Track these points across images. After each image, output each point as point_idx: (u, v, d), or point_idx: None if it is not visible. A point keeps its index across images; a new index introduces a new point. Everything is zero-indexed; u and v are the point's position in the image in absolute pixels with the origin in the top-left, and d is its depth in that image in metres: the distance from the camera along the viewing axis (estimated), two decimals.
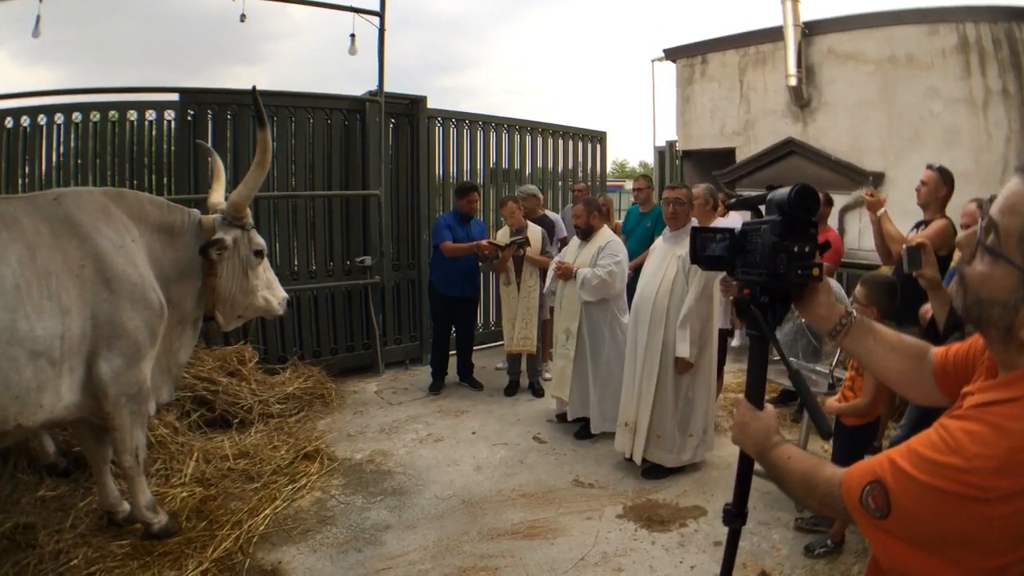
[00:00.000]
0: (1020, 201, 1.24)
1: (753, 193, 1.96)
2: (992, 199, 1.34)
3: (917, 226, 5.31)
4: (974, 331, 2.77)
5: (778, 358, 2.56)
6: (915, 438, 1.30)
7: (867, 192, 5.20)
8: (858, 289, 4.39)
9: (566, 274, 6.40)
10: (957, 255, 5.46)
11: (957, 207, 5.65)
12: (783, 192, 1.71)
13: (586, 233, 6.53)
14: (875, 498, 1.28)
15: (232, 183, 6.00)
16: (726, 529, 1.96)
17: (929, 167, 5.31)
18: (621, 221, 9.07)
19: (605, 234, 6.53)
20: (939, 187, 5.18)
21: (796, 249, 1.70)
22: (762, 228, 1.76)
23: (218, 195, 4.70)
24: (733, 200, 2.10)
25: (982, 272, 1.31)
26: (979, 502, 1.15)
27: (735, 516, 1.92)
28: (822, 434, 1.68)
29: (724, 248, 1.88)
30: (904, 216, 5.56)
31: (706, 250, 1.92)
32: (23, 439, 4.56)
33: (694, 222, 5.71)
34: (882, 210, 5.14)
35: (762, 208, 1.86)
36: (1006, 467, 1.15)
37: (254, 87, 4.58)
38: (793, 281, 1.73)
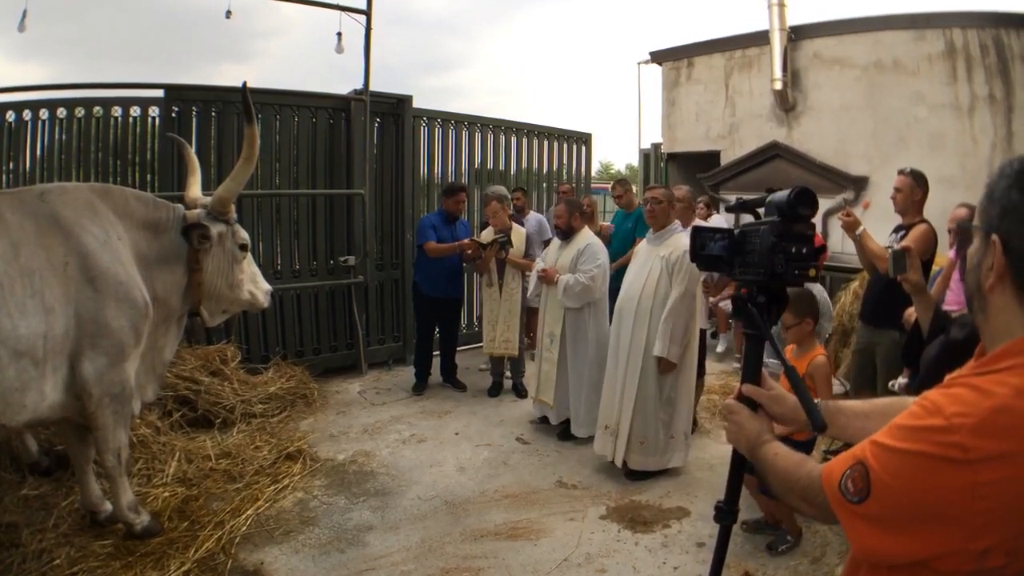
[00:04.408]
0: (992, 183, 1.33)
1: (751, 196, 1.98)
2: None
3: (897, 231, 5.32)
4: (959, 333, 2.77)
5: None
6: (898, 416, 1.30)
7: (843, 213, 5.18)
8: (785, 316, 4.35)
9: (549, 280, 6.40)
10: (939, 260, 5.49)
11: (944, 211, 5.67)
12: (782, 194, 1.74)
13: (566, 234, 6.54)
14: (855, 480, 1.27)
15: (216, 180, 5.98)
16: (709, 530, 1.98)
17: (901, 172, 5.31)
18: (608, 223, 9.09)
19: (586, 236, 6.55)
20: (914, 191, 5.18)
21: (793, 250, 1.74)
22: (761, 229, 1.80)
23: (195, 190, 4.66)
24: (734, 203, 2.12)
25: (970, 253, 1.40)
26: (959, 465, 1.13)
27: (727, 513, 1.94)
28: (816, 428, 1.68)
29: (723, 247, 1.93)
30: (889, 220, 5.58)
31: (705, 249, 1.97)
32: (5, 438, 4.54)
33: (677, 223, 5.72)
34: (860, 229, 5.13)
35: (760, 211, 1.88)
36: (987, 427, 1.14)
37: (244, 83, 4.56)
38: (790, 281, 1.77)
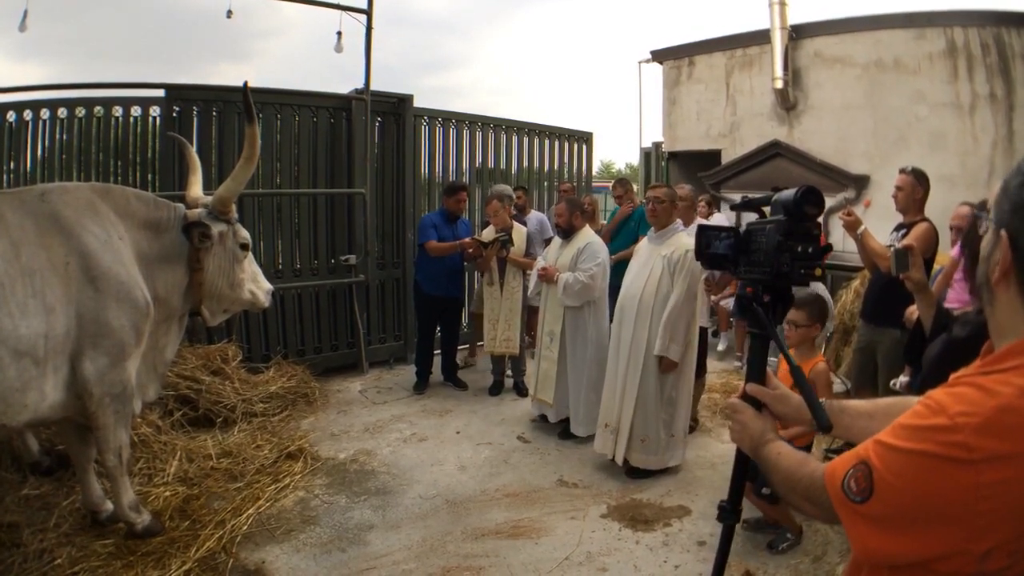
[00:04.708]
0: (1008, 179, 1.31)
1: (757, 195, 1.97)
2: (983, 203, 1.40)
3: (898, 229, 5.32)
4: (961, 331, 2.76)
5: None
6: (902, 415, 1.29)
7: (844, 213, 5.17)
8: (794, 314, 4.34)
9: (549, 278, 6.40)
10: (940, 259, 5.49)
11: (945, 210, 5.67)
12: (789, 193, 1.73)
13: (567, 232, 6.54)
14: (858, 480, 1.26)
15: (217, 180, 5.98)
16: (710, 529, 1.97)
17: (902, 171, 5.31)
18: (606, 222, 9.07)
19: (586, 235, 6.54)
20: (915, 189, 5.19)
21: (800, 249, 1.73)
22: (767, 228, 1.79)
23: (196, 189, 4.66)
24: (739, 202, 2.11)
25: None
26: (963, 465, 1.12)
27: (730, 513, 1.93)
28: (821, 428, 1.68)
29: (728, 246, 1.91)
30: (890, 218, 5.58)
31: (710, 248, 1.95)
32: (6, 438, 4.54)
33: (679, 222, 5.72)
34: (862, 228, 5.13)
35: (766, 209, 1.87)
36: (991, 426, 1.13)
37: (245, 83, 4.56)
38: (796, 280, 1.75)
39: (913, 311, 3.62)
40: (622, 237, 8.16)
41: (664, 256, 5.44)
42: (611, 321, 5.98)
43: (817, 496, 1.41)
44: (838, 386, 5.50)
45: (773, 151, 11.46)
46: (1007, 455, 1.12)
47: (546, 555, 4.44)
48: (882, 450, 1.25)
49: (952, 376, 1.34)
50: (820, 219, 1.78)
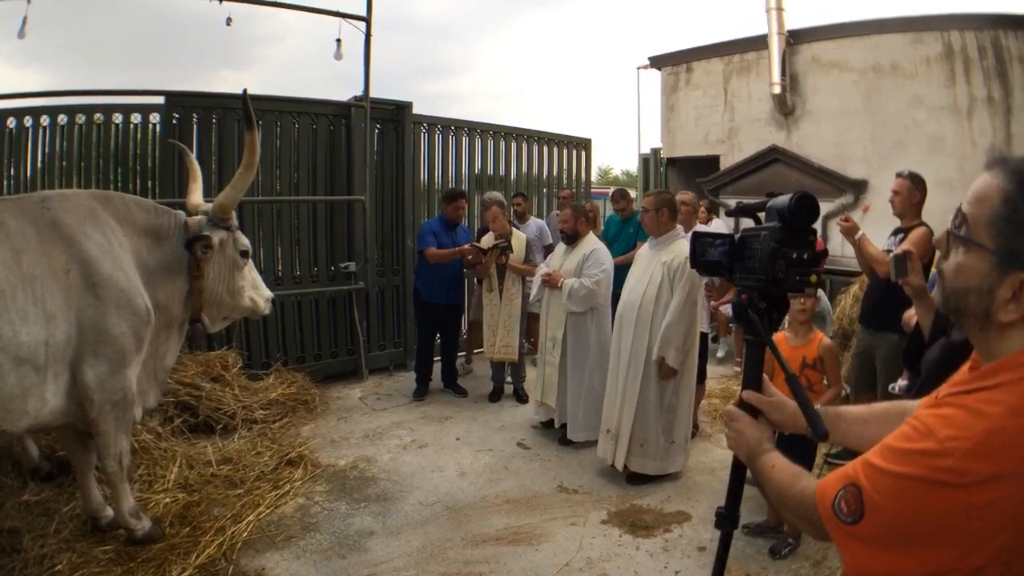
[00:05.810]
0: (986, 190, 1.28)
1: (752, 200, 1.97)
2: None
3: (896, 233, 5.32)
4: (960, 335, 2.77)
5: None
6: (890, 435, 1.28)
7: (841, 219, 5.17)
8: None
9: (553, 284, 6.40)
10: (937, 260, 5.47)
11: (943, 214, 5.65)
12: (783, 199, 1.72)
13: (572, 239, 6.53)
14: (848, 502, 1.26)
15: (217, 187, 5.98)
16: (710, 535, 1.96)
17: (899, 175, 5.30)
18: (602, 230, 9.06)
19: (591, 241, 6.53)
20: (912, 193, 5.18)
21: (795, 256, 1.71)
22: (762, 234, 1.77)
23: (196, 196, 4.66)
24: (734, 207, 2.11)
25: (956, 262, 1.35)
26: (953, 488, 1.12)
27: (728, 520, 1.92)
28: (817, 436, 1.67)
29: (723, 253, 1.90)
30: (889, 223, 5.58)
31: (705, 255, 1.95)
32: (7, 444, 4.54)
33: (680, 228, 5.72)
34: (859, 233, 5.13)
35: (761, 215, 1.87)
36: (981, 449, 1.12)
37: (244, 91, 4.55)
38: (791, 287, 1.74)
39: (911, 315, 3.62)
40: (620, 244, 8.16)
41: (664, 263, 5.44)
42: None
43: (808, 514, 1.42)
44: None
45: (771, 156, 11.49)
46: (997, 476, 1.12)
47: (546, 561, 4.43)
48: (872, 472, 1.25)
49: (939, 394, 1.34)
50: (816, 224, 1.78)
